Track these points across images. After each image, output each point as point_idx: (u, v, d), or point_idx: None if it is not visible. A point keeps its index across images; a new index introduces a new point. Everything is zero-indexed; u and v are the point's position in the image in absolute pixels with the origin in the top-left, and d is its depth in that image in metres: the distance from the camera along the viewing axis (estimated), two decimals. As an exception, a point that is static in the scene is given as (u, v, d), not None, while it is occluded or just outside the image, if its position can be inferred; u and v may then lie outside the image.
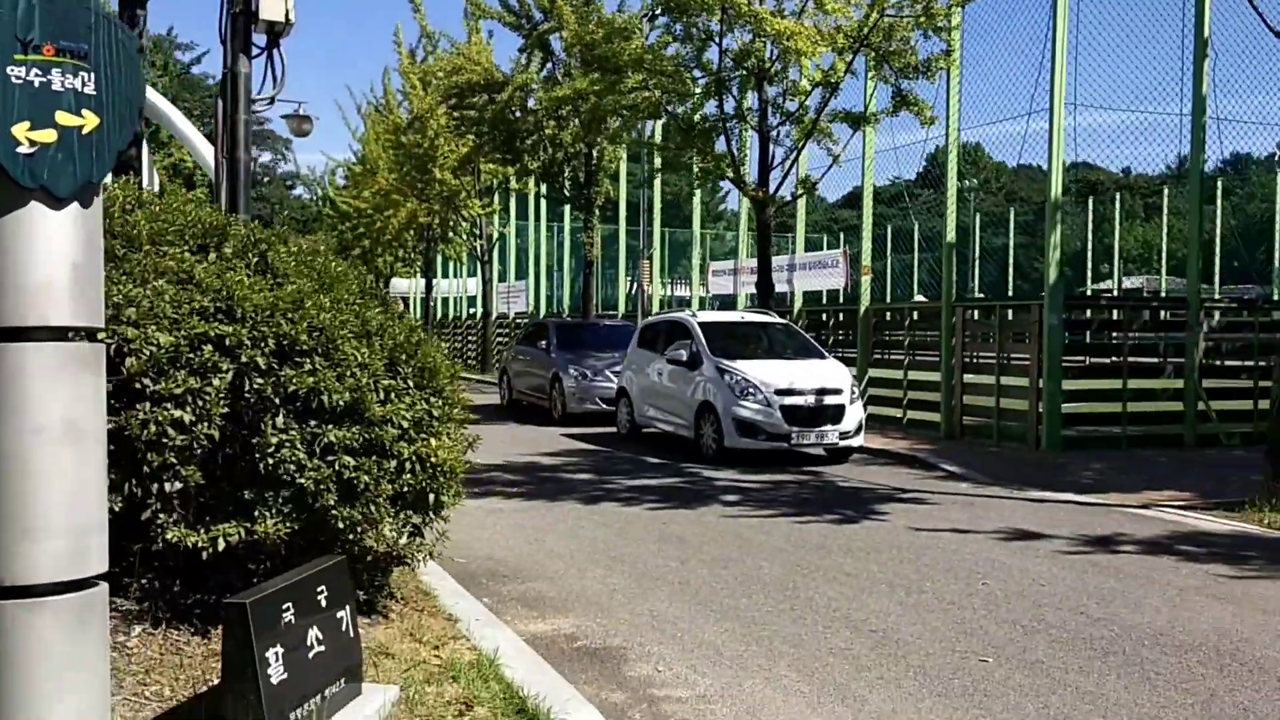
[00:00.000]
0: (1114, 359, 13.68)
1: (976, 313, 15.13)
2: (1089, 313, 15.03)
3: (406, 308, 41.48)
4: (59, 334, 2.92)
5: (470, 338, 34.62)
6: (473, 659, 4.68)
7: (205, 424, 4.14)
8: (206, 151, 19.03)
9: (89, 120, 2.99)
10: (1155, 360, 14.04)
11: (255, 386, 4.23)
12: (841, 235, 39.05)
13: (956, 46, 14.13)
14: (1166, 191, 31.35)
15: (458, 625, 5.24)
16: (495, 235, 31.52)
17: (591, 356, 16.91)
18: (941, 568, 7.01)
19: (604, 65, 14.94)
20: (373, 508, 4.51)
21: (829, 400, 12.21)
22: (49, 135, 2.91)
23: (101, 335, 3.11)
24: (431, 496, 4.88)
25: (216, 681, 3.90)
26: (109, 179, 5.45)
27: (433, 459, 4.76)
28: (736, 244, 23.86)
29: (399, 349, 4.77)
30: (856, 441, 12.43)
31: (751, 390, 12.13)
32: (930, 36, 13.85)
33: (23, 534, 2.86)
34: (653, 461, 12.34)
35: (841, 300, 22.71)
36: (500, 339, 30.08)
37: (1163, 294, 27.56)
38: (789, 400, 12.07)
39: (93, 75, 3.00)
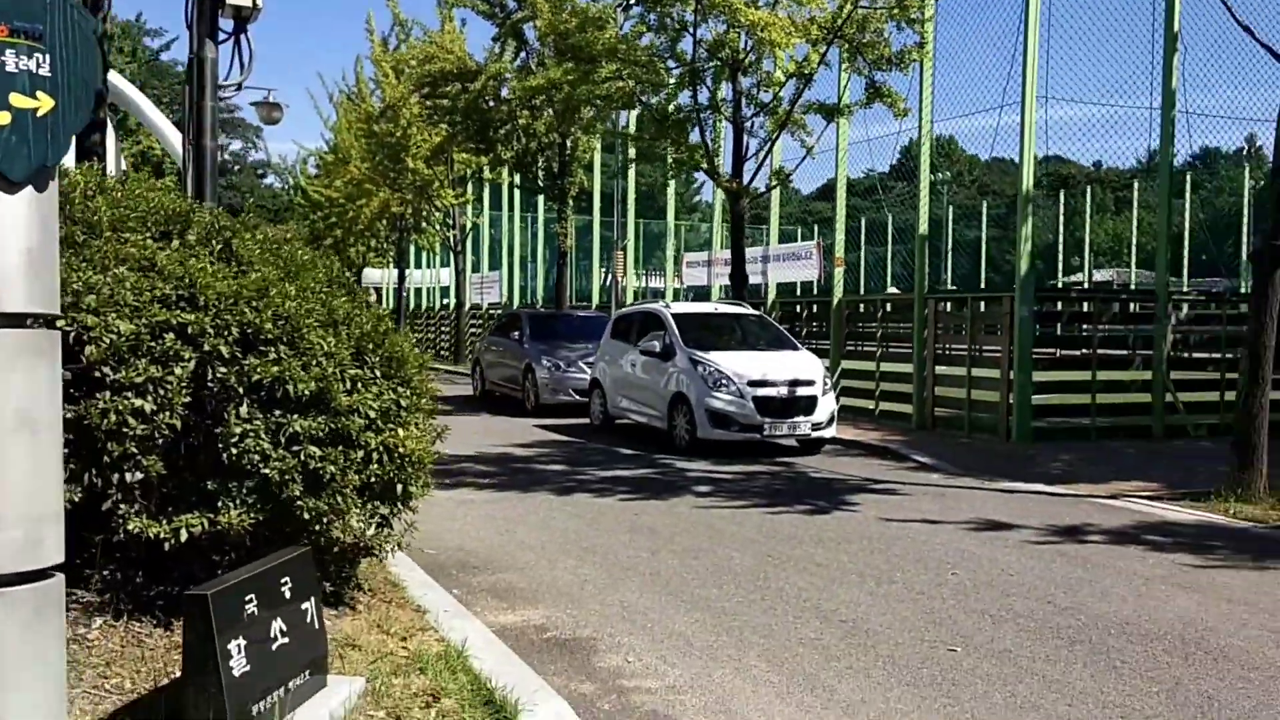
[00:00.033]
0: (1084, 351, 13.78)
1: (949, 305, 15.20)
2: (1060, 305, 15.13)
3: (379, 298, 41.25)
4: (13, 320, 2.86)
5: (443, 328, 34.47)
6: (441, 650, 4.65)
7: (167, 413, 4.08)
8: (175, 139, 18.81)
9: (44, 103, 2.92)
10: (1124, 353, 14.16)
11: (218, 375, 4.17)
12: (816, 227, 39.10)
13: (929, 38, 14.16)
14: (1137, 185, 31.63)
15: (426, 616, 5.20)
16: (468, 225, 31.34)
17: (565, 347, 16.85)
18: (911, 558, 7.04)
19: (578, 55, 14.87)
20: (339, 498, 4.46)
21: (801, 391, 12.24)
22: (2, 117, 2.84)
23: (61, 323, 3.05)
24: (399, 487, 4.83)
25: (179, 674, 3.85)
26: (70, 164, 5.36)
27: (400, 449, 4.71)
28: (711, 235, 23.85)
29: (366, 338, 4.71)
30: (829, 433, 12.46)
31: (724, 382, 12.14)
32: (903, 28, 13.87)
33: (-25, 524, 2.80)
34: (625, 452, 12.33)
35: (815, 292, 22.79)
36: (473, 330, 29.95)
37: (1132, 287, 27.80)
38: (762, 391, 12.08)
39: (48, 57, 2.93)
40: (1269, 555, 7.23)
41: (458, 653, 4.59)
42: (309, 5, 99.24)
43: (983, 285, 33.00)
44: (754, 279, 18.51)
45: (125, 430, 4.05)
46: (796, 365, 12.57)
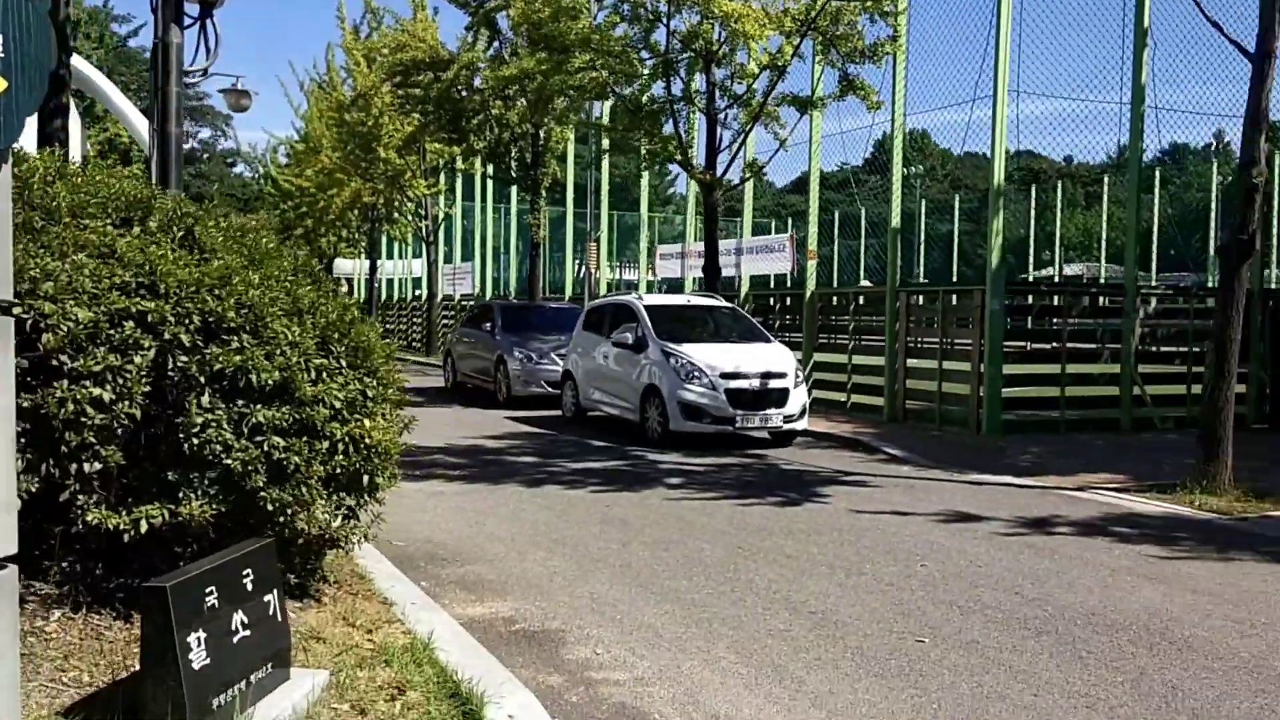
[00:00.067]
0: (1053, 345, 13.88)
1: (920, 298, 15.26)
2: (1030, 299, 15.23)
3: (351, 289, 40.93)
4: (-37, 306, 2.79)
5: (415, 320, 34.27)
6: (407, 643, 4.60)
7: (126, 403, 4.00)
8: (142, 126, 18.54)
9: (-6, 84, 2.84)
10: (1093, 346, 14.27)
11: (179, 364, 4.10)
12: (789, 220, 39.21)
13: (903, 31, 14.19)
14: (1107, 180, 31.91)
15: (393, 609, 5.15)
16: (441, 216, 31.15)
17: (537, 339, 16.80)
18: (881, 549, 7.05)
19: (551, 44, 14.79)
20: (304, 489, 4.40)
21: (774, 384, 12.25)
22: (-49, 99, 2.76)
23: (16, 310, 2.98)
24: (366, 478, 4.78)
25: (138, 667, 3.79)
26: (31, 149, 5.26)
27: (367, 440, 4.66)
28: (685, 228, 23.83)
29: (331, 327, 4.65)
30: (800, 425, 12.49)
31: (697, 374, 12.13)
32: (876, 21, 13.89)
33: (-77, 515, 2.73)
34: (597, 444, 12.29)
35: (788, 284, 22.81)
36: (446, 321, 29.79)
37: (1102, 281, 28.05)
38: (734, 384, 12.08)
39: (-1, 37, 2.85)
40: (1233, 546, 7.30)
41: (424, 645, 4.54)
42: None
43: (954, 279, 33.20)
44: (727, 271, 18.51)
45: (83, 420, 3.98)
46: (769, 358, 12.58)
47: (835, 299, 17.12)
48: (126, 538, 4.17)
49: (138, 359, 4.05)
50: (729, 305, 14.71)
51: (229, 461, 4.14)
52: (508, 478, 9.84)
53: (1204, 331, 14.02)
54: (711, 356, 12.35)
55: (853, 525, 7.86)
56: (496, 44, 21.09)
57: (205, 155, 61.49)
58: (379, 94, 24.81)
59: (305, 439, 4.36)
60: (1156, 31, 13.25)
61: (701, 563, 6.63)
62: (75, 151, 10.44)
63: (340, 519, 4.84)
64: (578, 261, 26.60)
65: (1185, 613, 5.63)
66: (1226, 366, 9.29)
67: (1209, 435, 9.31)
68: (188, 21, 8.20)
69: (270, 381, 4.19)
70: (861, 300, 16.37)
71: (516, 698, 4.12)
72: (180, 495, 4.19)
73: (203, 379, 4.12)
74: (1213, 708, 4.29)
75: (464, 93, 20.66)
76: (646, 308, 13.49)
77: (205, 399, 4.12)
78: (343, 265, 40.87)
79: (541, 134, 21.85)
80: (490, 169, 26.57)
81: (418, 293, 36.09)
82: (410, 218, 30.90)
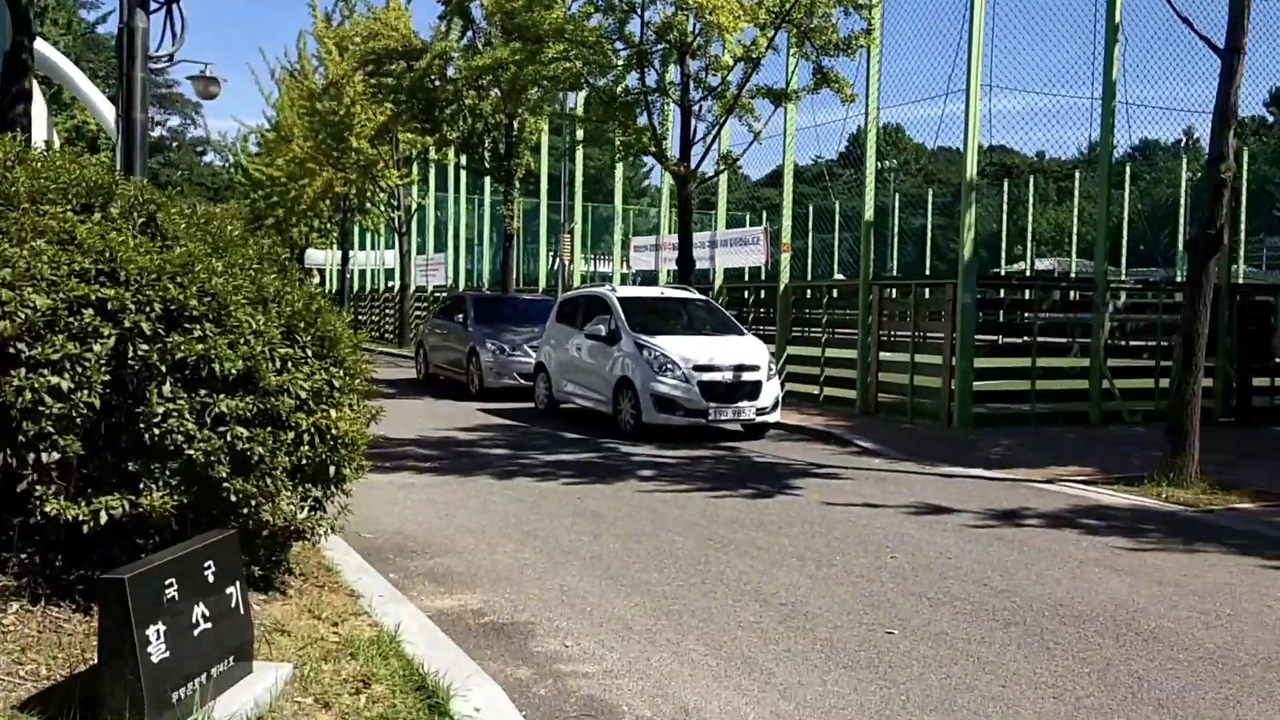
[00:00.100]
0: (1024, 339, 13.95)
1: (893, 291, 15.30)
2: (1002, 293, 15.30)
3: (323, 280, 40.61)
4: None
5: (388, 311, 34.05)
6: (373, 636, 4.55)
7: (85, 392, 3.93)
8: (109, 113, 18.28)
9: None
10: (1064, 340, 14.36)
11: (140, 353, 4.03)
12: (764, 213, 39.25)
13: (877, 24, 14.20)
14: (1078, 176, 32.17)
15: (360, 601, 5.10)
16: (414, 207, 30.95)
17: (510, 331, 16.72)
18: (852, 541, 7.06)
19: (524, 34, 14.69)
20: (268, 480, 4.34)
21: (747, 376, 12.25)
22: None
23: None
24: (332, 469, 4.71)
25: (97, 660, 3.72)
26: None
27: (333, 430, 4.60)
28: (659, 220, 23.79)
29: (297, 316, 4.58)
30: (773, 417, 12.50)
31: (670, 366, 12.11)
32: (851, 14, 13.91)
33: None
34: (570, 437, 12.25)
35: (763, 277, 22.85)
36: (418, 313, 29.62)
37: (1072, 275, 28.28)
38: (707, 376, 12.07)
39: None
40: (1199, 538, 7.37)
41: (390, 638, 4.50)
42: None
43: (928, 273, 33.36)
44: (702, 264, 18.49)
45: (41, 409, 3.90)
46: (742, 350, 12.58)
47: (809, 292, 17.16)
48: (86, 529, 4.10)
49: (97, 347, 3.97)
50: (703, 298, 14.70)
51: (191, 452, 4.07)
52: (479, 470, 9.79)
53: (1172, 326, 14.16)
54: (685, 349, 12.33)
55: (824, 517, 7.87)
56: (470, 33, 20.90)
57: (174, 143, 60.81)
58: (351, 83, 24.59)
59: (270, 429, 4.29)
60: (1128, 27, 13.35)
61: (673, 555, 6.61)
62: (39, 136, 10.27)
63: (306, 511, 4.78)
64: (552, 253, 26.51)
65: (1151, 604, 5.67)
66: (1194, 360, 9.37)
67: (1176, 429, 9.39)
68: (154, 6, 8.09)
69: (234, 371, 4.12)
70: (835, 294, 16.40)
71: (484, 690, 4.09)
72: (141, 486, 4.12)
73: (164, 368, 4.05)
74: (1178, 698, 4.32)
75: (437, 82, 20.50)
76: (620, 300, 13.45)
77: (167, 388, 4.05)
78: (314, 256, 40.56)
79: (515, 125, 21.73)
80: (463, 159, 26.39)
81: (390, 284, 35.88)
82: (383, 208, 30.68)
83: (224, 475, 4.17)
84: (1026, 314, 14.32)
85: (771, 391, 12.43)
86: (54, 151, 5.04)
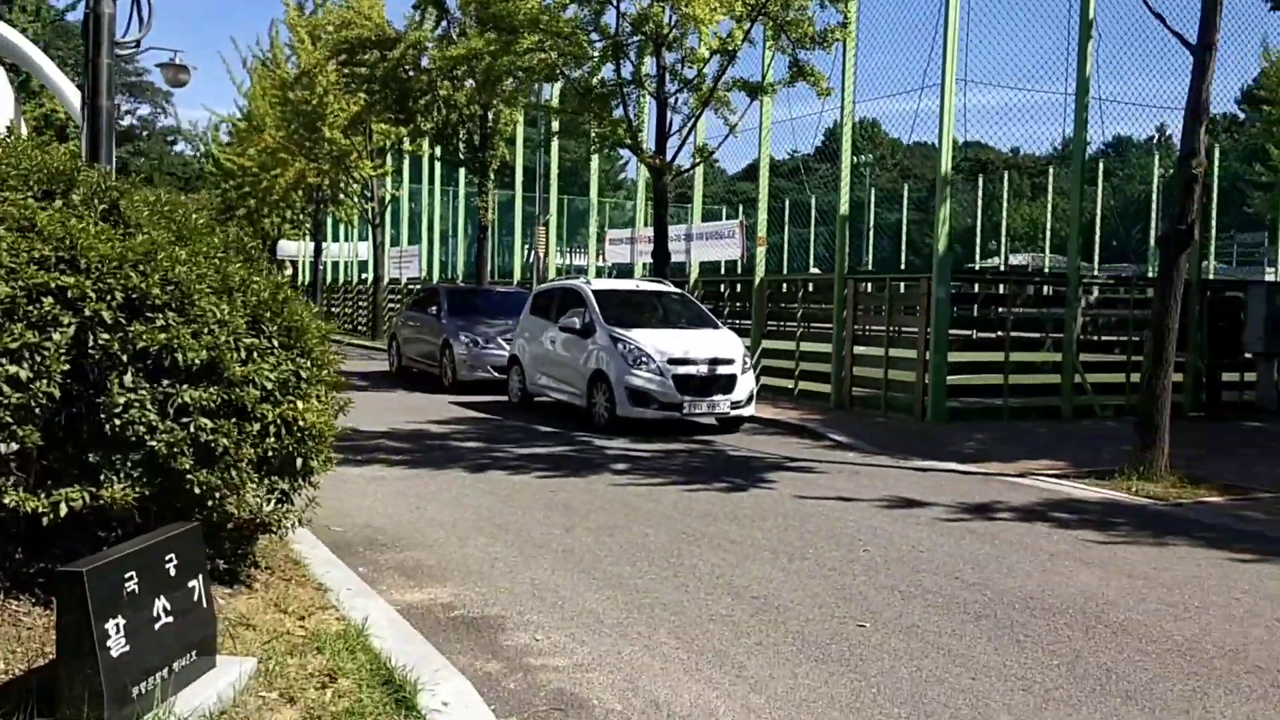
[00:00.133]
0: (998, 333, 14.01)
1: (868, 286, 15.33)
2: (976, 287, 15.37)
3: (295, 272, 40.28)
4: None
5: (361, 303, 33.82)
6: (341, 629, 4.50)
7: (44, 381, 3.85)
8: (78, 101, 18.00)
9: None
10: (1037, 335, 14.44)
11: (100, 342, 3.95)
12: (740, 207, 39.29)
13: (852, 18, 14.20)
14: (1052, 172, 32.36)
15: (327, 595, 5.04)
16: (387, 198, 30.72)
17: (484, 323, 16.62)
18: (825, 535, 7.06)
19: (499, 25, 14.58)
20: (233, 473, 4.27)
21: (721, 370, 12.23)
22: None
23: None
24: (299, 461, 4.66)
25: (55, 654, 3.65)
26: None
27: (300, 422, 4.54)
28: (635, 213, 23.74)
29: (263, 306, 4.51)
30: (748, 411, 12.49)
31: (644, 359, 12.07)
32: (827, 7, 13.89)
33: None
34: (544, 430, 12.20)
35: (738, 271, 22.85)
36: (392, 305, 29.42)
37: (1046, 270, 28.45)
38: (682, 370, 12.05)
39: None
40: (1168, 531, 7.42)
41: (358, 632, 4.45)
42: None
43: (903, 267, 33.48)
44: (677, 257, 18.46)
45: (-1, 399, 3.81)
46: (717, 344, 12.57)
47: (784, 286, 17.15)
48: (46, 521, 4.02)
49: (56, 336, 3.89)
50: (678, 291, 14.67)
51: (153, 443, 4.00)
52: (451, 463, 9.72)
53: (1144, 321, 14.26)
54: (659, 342, 12.30)
55: (797, 510, 7.87)
56: (444, 23, 20.78)
57: (144, 132, 60.13)
58: (324, 72, 24.37)
59: (234, 420, 4.23)
60: (1101, 23, 13.41)
61: (645, 548, 6.58)
62: (2, 123, 10.08)
63: (272, 503, 4.72)
64: (526, 246, 26.40)
65: (1121, 596, 5.69)
66: (1164, 355, 9.43)
67: (1146, 423, 9.45)
68: (120, -9, 7.94)
69: (197, 361, 4.05)
70: (810, 287, 16.41)
71: (451, 684, 4.04)
72: (102, 478, 4.05)
73: (125, 357, 3.97)
74: (1145, 690, 4.34)
75: (411, 72, 20.34)
76: (594, 292, 13.40)
77: (128, 378, 3.98)
78: (287, 247, 40.22)
79: (490, 116, 21.60)
80: (438, 151, 26.25)
81: (364, 276, 35.65)
82: (356, 199, 30.44)
83: (187, 467, 4.10)
84: (1000, 309, 14.38)
85: (746, 385, 12.42)
86: (15, 138, 4.94)
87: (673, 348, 12.21)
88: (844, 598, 5.57)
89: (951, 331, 13.21)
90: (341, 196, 30.35)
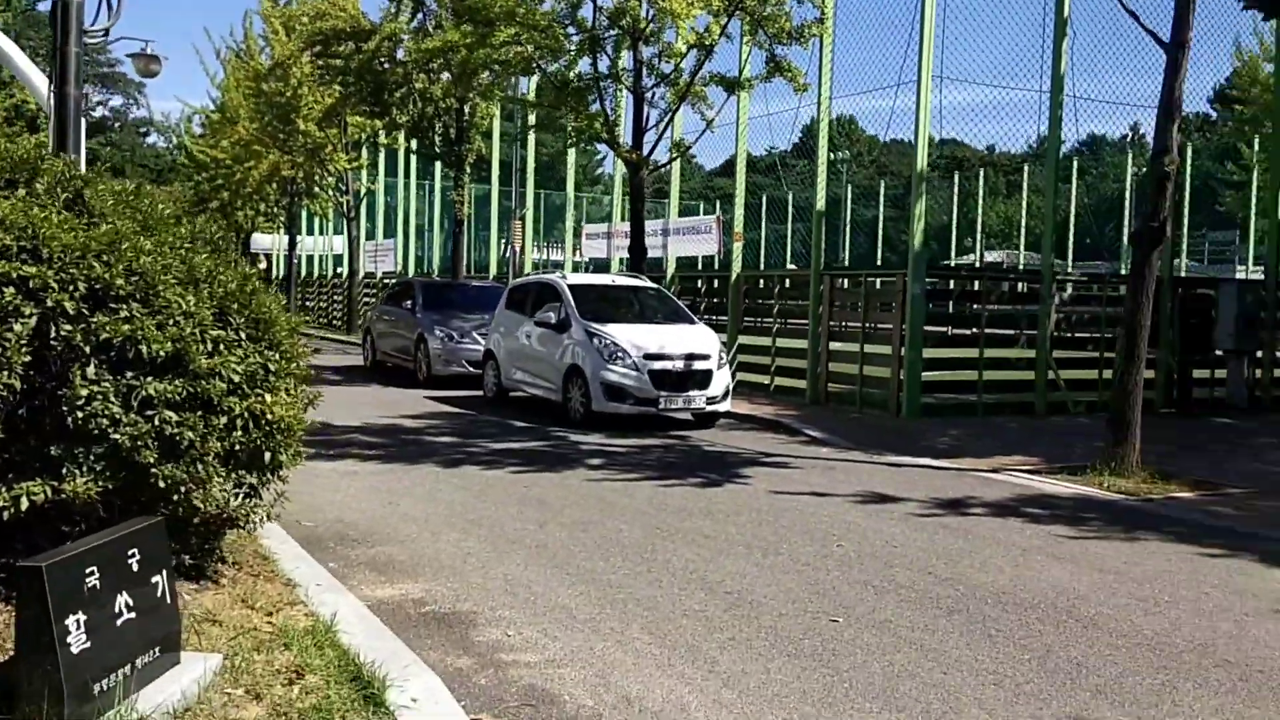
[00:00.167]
0: (973, 330, 14.07)
1: (844, 282, 15.35)
2: (951, 284, 15.42)
3: (270, 265, 39.96)
4: None
5: (336, 297, 33.60)
6: (309, 625, 4.45)
7: (5, 373, 3.77)
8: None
9: None
10: (1011, 331, 14.50)
11: (63, 333, 3.88)
12: (717, 203, 39.32)
13: (829, 14, 14.21)
14: (1027, 169, 32.58)
15: (296, 590, 4.98)
16: (363, 191, 30.52)
17: (459, 318, 16.54)
18: (799, 530, 7.06)
19: (475, 17, 14.48)
20: (199, 466, 4.21)
21: (697, 365, 12.22)
22: None
23: None
24: (268, 455, 4.59)
25: (14, 651, 3.58)
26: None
27: (268, 415, 4.47)
28: (612, 208, 23.68)
29: (230, 298, 4.44)
30: (724, 407, 12.48)
31: (620, 354, 12.04)
32: (804, 2, 13.90)
33: None
34: (518, 425, 12.15)
35: (715, 267, 22.84)
36: (367, 299, 29.24)
37: (1020, 267, 28.63)
38: (658, 365, 12.02)
39: None
40: (1139, 527, 7.46)
41: (326, 627, 4.39)
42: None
43: (879, 264, 33.60)
44: (654, 252, 18.42)
45: (-43, 391, 3.74)
46: (693, 339, 12.55)
47: (761, 282, 17.17)
48: (7, 515, 3.95)
49: (17, 327, 3.81)
50: (654, 286, 14.64)
51: (117, 436, 3.93)
52: (425, 457, 9.66)
53: (1116, 318, 14.35)
54: (635, 337, 12.27)
55: (771, 506, 7.86)
56: (420, 15, 20.63)
57: (117, 124, 59.46)
58: (298, 64, 24.16)
59: (200, 414, 4.16)
60: (1076, 22, 13.51)
61: (619, 543, 6.56)
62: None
63: (240, 498, 4.66)
64: (503, 240, 26.29)
65: (1092, 591, 5.72)
66: (1136, 351, 9.49)
67: (1118, 419, 9.51)
68: (88, -22, 7.82)
69: (162, 353, 3.98)
70: (787, 283, 16.42)
71: (421, 680, 4.00)
72: (64, 471, 3.97)
73: (88, 349, 3.90)
74: (1115, 684, 4.35)
75: (386, 64, 20.18)
76: (570, 287, 13.35)
77: (91, 370, 3.91)
78: (261, 240, 39.90)
79: (466, 109, 21.48)
80: (413, 144, 26.06)
81: (339, 270, 35.39)
82: (331, 192, 30.22)
83: (151, 461, 4.03)
84: (975, 305, 14.45)
85: (722, 381, 12.41)
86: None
87: (649, 343, 12.18)
88: (817, 593, 5.56)
89: (926, 328, 13.25)
90: (316, 189, 30.12)
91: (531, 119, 19.62)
